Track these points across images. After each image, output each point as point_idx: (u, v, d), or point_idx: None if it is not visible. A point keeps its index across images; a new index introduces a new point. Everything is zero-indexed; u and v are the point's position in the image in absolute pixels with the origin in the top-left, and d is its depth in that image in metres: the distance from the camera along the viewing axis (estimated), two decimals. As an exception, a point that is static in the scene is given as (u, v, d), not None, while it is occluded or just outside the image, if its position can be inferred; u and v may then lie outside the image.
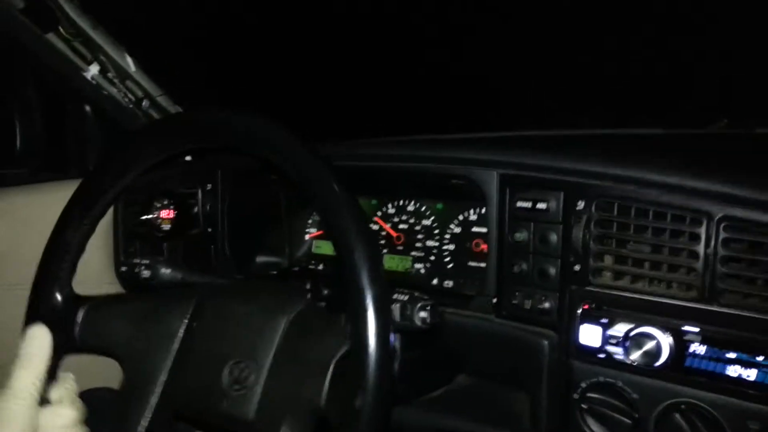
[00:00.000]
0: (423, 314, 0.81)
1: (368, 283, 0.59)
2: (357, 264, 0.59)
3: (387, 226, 1.15)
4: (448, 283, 1.10)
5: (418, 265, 1.13)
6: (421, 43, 1.41)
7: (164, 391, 0.77)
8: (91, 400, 0.81)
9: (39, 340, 0.74)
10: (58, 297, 0.78)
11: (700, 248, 0.76)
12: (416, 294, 0.82)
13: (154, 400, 0.77)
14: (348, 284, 0.60)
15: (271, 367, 0.73)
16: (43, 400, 0.72)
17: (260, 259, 1.23)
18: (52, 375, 0.74)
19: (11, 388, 0.69)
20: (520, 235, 0.89)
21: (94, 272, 1.23)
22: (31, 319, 0.77)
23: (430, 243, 1.13)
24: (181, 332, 0.80)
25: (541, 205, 0.87)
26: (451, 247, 1.10)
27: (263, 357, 0.74)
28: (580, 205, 0.84)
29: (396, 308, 0.81)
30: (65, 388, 0.75)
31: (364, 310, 0.58)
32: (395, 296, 0.82)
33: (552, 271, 0.87)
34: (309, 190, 0.64)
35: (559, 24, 1.31)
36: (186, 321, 0.80)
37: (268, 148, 0.67)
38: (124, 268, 1.16)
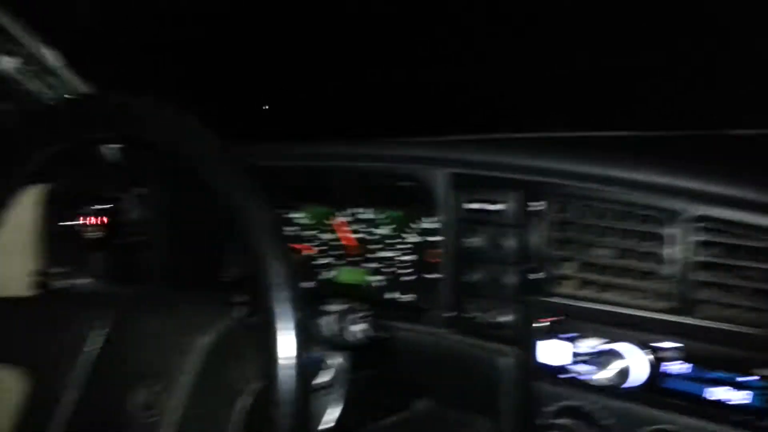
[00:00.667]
0: (361, 326, 0.73)
1: (274, 288, 0.52)
2: (261, 267, 0.52)
3: (347, 232, 1.07)
4: (406, 297, 1.01)
5: (372, 278, 1.04)
6: (374, 44, 1.33)
7: (71, 410, 0.72)
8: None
9: None
10: None
11: (673, 252, 0.68)
12: (353, 305, 0.74)
13: (59, 419, 0.71)
14: (259, 300, 0.52)
15: (187, 390, 0.67)
16: None
17: (200, 269, 1.14)
18: None
19: None
20: (473, 242, 0.81)
21: (19, 274, 1.13)
22: None
23: (385, 254, 1.04)
24: (93, 346, 0.74)
25: (494, 207, 0.79)
26: (408, 258, 1.01)
27: (178, 380, 0.68)
28: (539, 205, 0.77)
29: (331, 320, 0.73)
30: None
31: (271, 321, 0.51)
32: (329, 308, 0.74)
33: (508, 280, 0.79)
34: (214, 185, 0.60)
35: (525, 25, 1.25)
36: (99, 333, 0.75)
37: (176, 141, 0.62)
38: (37, 278, 1.07)
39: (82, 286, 0.93)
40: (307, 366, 0.53)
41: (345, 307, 0.74)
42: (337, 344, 0.75)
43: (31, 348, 0.75)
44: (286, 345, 0.51)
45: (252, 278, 1.09)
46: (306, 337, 0.53)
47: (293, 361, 0.51)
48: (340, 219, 1.08)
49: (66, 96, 1.14)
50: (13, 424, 0.73)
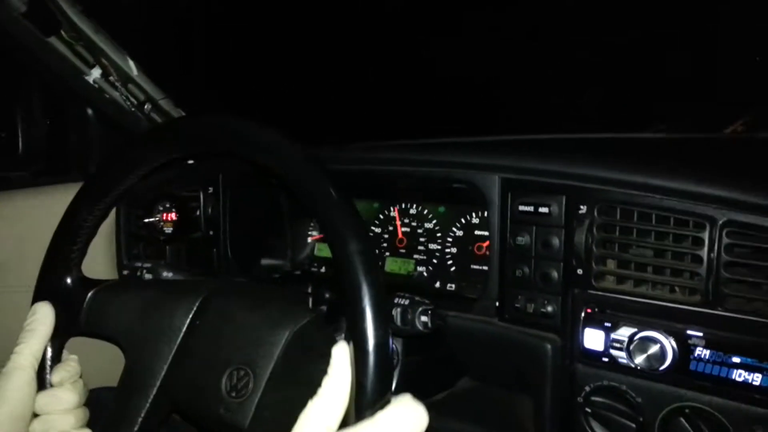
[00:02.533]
0: (424, 318, 0.81)
1: (366, 289, 0.58)
2: (353, 270, 0.58)
3: (398, 225, 1.14)
4: (451, 286, 1.09)
5: (420, 268, 1.13)
6: (422, 47, 1.41)
7: (162, 384, 0.77)
8: (96, 400, 0.81)
9: (41, 316, 0.75)
10: (67, 278, 0.79)
11: (704, 253, 0.76)
12: (417, 298, 0.82)
13: (152, 392, 0.77)
14: (345, 291, 0.59)
15: (269, 379, 0.73)
16: (45, 383, 0.73)
17: (262, 262, 1.23)
18: (55, 357, 0.75)
19: (9, 365, 0.70)
20: (522, 239, 0.89)
21: (100, 276, 1.22)
22: (37, 299, 0.77)
23: (432, 246, 1.12)
24: (184, 328, 0.80)
25: (542, 209, 0.87)
26: (454, 250, 1.10)
27: (263, 368, 0.74)
28: (583, 209, 0.84)
29: (397, 313, 0.81)
30: (66, 371, 0.75)
31: (362, 317, 0.57)
32: (396, 301, 0.82)
33: (554, 274, 0.86)
34: (304, 194, 0.63)
35: (562, 25, 1.31)
36: (190, 317, 0.80)
37: (264, 152, 0.66)
38: (126, 272, 1.18)
39: (166, 277, 1.00)
40: (390, 352, 0.60)
41: (410, 300, 0.82)
42: (400, 333, 0.83)
43: (126, 327, 0.80)
44: (374, 336, 0.56)
45: (312, 270, 1.19)
46: (389, 329, 0.60)
47: (381, 351, 0.56)
48: (386, 214, 1.17)
49: (154, 109, 1.23)
50: (116, 391, 0.79)
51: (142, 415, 0.76)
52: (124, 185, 0.79)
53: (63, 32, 1.13)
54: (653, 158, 0.86)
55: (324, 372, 0.58)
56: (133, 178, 0.78)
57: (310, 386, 0.59)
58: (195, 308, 0.81)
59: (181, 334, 0.79)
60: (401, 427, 0.53)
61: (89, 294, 0.81)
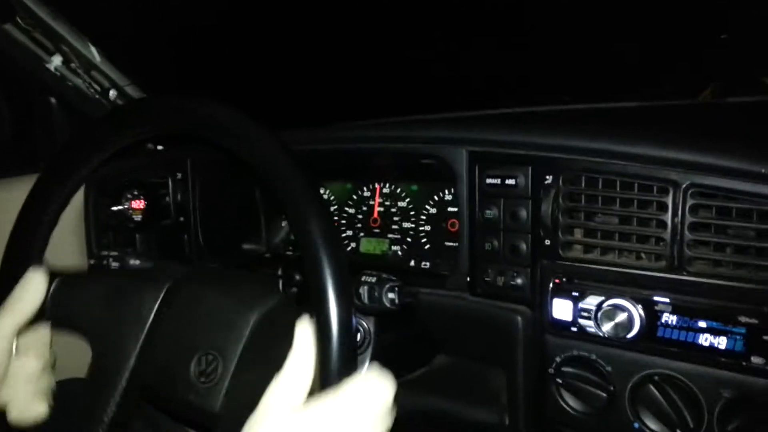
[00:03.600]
0: (391, 295, 0.81)
1: (325, 264, 0.57)
2: (313, 246, 0.58)
3: (375, 205, 1.14)
4: (425, 264, 1.09)
5: (395, 247, 1.13)
6: (385, 26, 1.39)
7: (132, 373, 0.76)
8: (65, 391, 0.80)
9: (33, 285, 0.74)
10: (28, 272, 0.77)
11: (668, 217, 0.76)
12: (384, 276, 0.82)
13: (121, 381, 0.76)
14: (306, 268, 0.58)
15: (239, 362, 0.72)
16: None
17: (236, 247, 1.22)
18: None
19: None
20: (491, 212, 0.89)
21: (69, 264, 1.21)
22: (1, 291, 0.75)
23: (406, 225, 1.12)
24: (151, 316, 0.78)
25: (509, 181, 0.86)
26: (427, 228, 1.09)
27: (231, 351, 0.73)
28: (548, 179, 0.84)
29: (364, 291, 0.81)
30: (33, 337, 0.74)
31: (322, 291, 0.57)
32: (363, 278, 0.82)
33: (523, 246, 0.86)
34: (264, 173, 0.63)
35: (526, 2, 1.30)
36: (158, 304, 0.79)
37: (225, 133, 0.66)
38: (93, 261, 1.16)
39: (135, 266, 0.99)
40: (354, 330, 0.60)
41: (377, 277, 0.82)
42: (369, 310, 0.83)
43: (91, 317, 0.78)
44: (336, 311, 0.56)
45: (286, 253, 1.18)
46: (352, 305, 0.60)
47: (343, 326, 0.56)
48: (358, 194, 1.17)
49: (119, 96, 1.21)
50: (85, 383, 0.77)
51: (113, 404, 0.75)
52: (83, 171, 0.77)
53: (19, 19, 1.10)
54: (616, 126, 0.85)
55: (288, 348, 0.58)
56: (94, 162, 0.77)
57: (275, 364, 0.59)
58: (162, 295, 0.80)
59: (149, 322, 0.78)
60: (366, 397, 0.53)
61: (53, 285, 0.79)
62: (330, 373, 0.55)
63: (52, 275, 0.79)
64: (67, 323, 0.80)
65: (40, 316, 0.76)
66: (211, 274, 0.97)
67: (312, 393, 0.56)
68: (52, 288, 0.78)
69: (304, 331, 0.57)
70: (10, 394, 0.71)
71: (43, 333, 0.76)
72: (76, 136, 0.79)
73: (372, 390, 0.53)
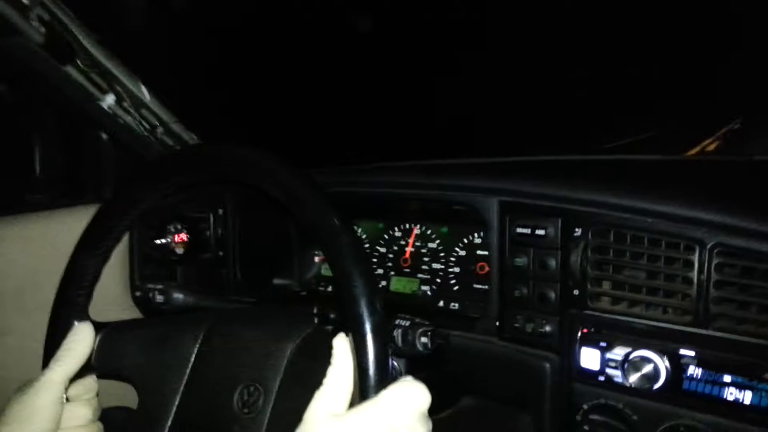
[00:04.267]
0: (424, 339, 0.84)
1: (366, 312, 0.61)
2: (354, 293, 0.61)
3: (409, 244, 1.17)
4: (454, 305, 1.11)
5: (424, 287, 1.15)
6: (420, 71, 1.44)
7: (177, 414, 0.80)
8: (109, 419, 0.84)
9: (81, 337, 0.78)
10: (75, 323, 0.81)
11: (694, 274, 0.79)
12: (417, 320, 0.85)
13: (168, 422, 0.80)
14: (347, 313, 0.62)
15: (279, 390, 0.76)
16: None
17: (271, 282, 1.26)
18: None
19: (42, 381, 0.72)
20: (521, 260, 0.92)
21: (114, 297, 1.25)
22: (49, 346, 0.80)
23: (436, 265, 1.15)
24: (192, 357, 0.83)
25: (539, 232, 0.89)
26: (457, 269, 1.12)
27: (271, 381, 0.76)
28: (578, 231, 0.87)
29: (398, 334, 0.84)
30: (83, 386, 0.78)
31: (363, 338, 0.60)
32: (397, 322, 0.85)
33: (552, 295, 0.89)
34: (306, 220, 0.66)
35: (557, 50, 1.34)
36: (197, 346, 0.83)
37: (272, 185, 0.69)
38: (138, 293, 1.21)
39: (177, 299, 1.03)
40: (390, 372, 0.63)
41: (410, 321, 0.84)
42: (401, 353, 0.86)
43: (136, 364, 0.82)
44: (374, 355, 0.59)
45: (319, 289, 1.21)
46: (389, 355, 0.63)
47: (381, 370, 0.59)
48: (390, 234, 1.20)
49: (165, 132, 1.28)
50: (132, 425, 0.82)
51: None
52: (122, 225, 0.82)
53: (78, 61, 1.17)
54: (645, 182, 0.88)
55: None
56: (132, 216, 0.81)
57: (315, 390, 0.62)
58: (201, 336, 0.84)
59: (190, 364, 0.82)
60: (403, 404, 0.56)
61: (97, 337, 0.83)
62: (368, 380, 0.58)
63: (98, 326, 0.83)
64: (113, 372, 0.84)
65: (88, 366, 0.79)
66: (247, 311, 1.01)
67: (352, 405, 0.59)
68: (98, 339, 0.82)
69: (342, 345, 0.62)
70: None
71: (90, 382, 0.79)
72: (134, 177, 0.83)
73: (408, 396, 0.56)
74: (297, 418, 0.73)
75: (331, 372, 0.61)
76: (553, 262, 0.89)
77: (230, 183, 0.76)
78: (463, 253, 1.11)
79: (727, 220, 0.77)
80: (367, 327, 0.60)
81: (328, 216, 0.66)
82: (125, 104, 1.26)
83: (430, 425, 0.58)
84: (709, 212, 0.78)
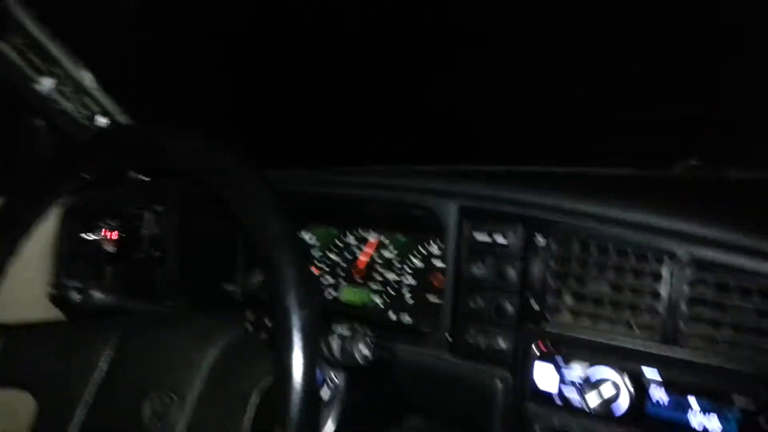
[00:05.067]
0: (365, 351, 0.76)
1: (294, 308, 0.54)
2: (282, 287, 0.55)
3: (365, 252, 1.10)
4: (406, 319, 1.05)
5: (376, 298, 1.09)
6: (385, 75, 1.39)
7: (82, 427, 0.72)
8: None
9: None
10: None
11: (663, 289, 0.72)
12: (358, 329, 0.77)
13: None
14: (273, 310, 0.55)
15: (197, 399, 0.69)
16: None
17: (211, 286, 1.18)
18: None
19: None
20: (478, 270, 0.85)
21: (35, 294, 1.15)
22: None
23: (389, 276, 1.08)
24: (103, 364, 0.75)
25: (499, 239, 0.83)
26: (411, 281, 1.06)
27: (188, 389, 0.69)
28: (540, 240, 0.81)
29: (336, 344, 0.76)
30: None
31: (288, 336, 0.53)
32: (336, 329, 0.77)
33: (509, 307, 0.82)
34: (236, 208, 0.60)
35: (528, 60, 1.30)
36: (109, 352, 0.76)
37: (193, 163, 0.63)
38: (54, 291, 1.11)
39: (98, 300, 0.94)
40: (316, 384, 0.56)
41: (351, 329, 0.77)
42: (339, 364, 0.78)
43: (40, 372, 0.76)
44: (300, 363, 0.54)
45: (263, 297, 1.13)
46: (316, 357, 0.56)
47: (305, 380, 0.54)
48: (343, 240, 1.13)
49: (100, 127, 1.19)
50: None
51: None
52: (32, 215, 0.74)
53: (13, 38, 1.08)
54: (615, 190, 0.82)
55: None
56: (45, 205, 0.74)
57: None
58: (115, 341, 0.77)
59: (99, 372, 0.75)
60: None
61: None
62: (287, 416, 0.53)
63: (1, 328, 0.75)
64: (13, 381, 0.77)
65: None
66: (169, 315, 0.94)
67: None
68: None
69: None
70: None
71: None
72: (49, 165, 0.76)
73: None
74: (217, 430, 0.66)
75: None
76: (512, 272, 0.82)
77: (150, 168, 0.70)
78: (419, 263, 1.05)
79: (702, 231, 0.71)
80: (294, 322, 0.54)
81: (258, 197, 0.59)
82: (65, 89, 1.18)
83: None
84: (681, 222, 0.72)
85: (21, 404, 0.76)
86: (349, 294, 1.12)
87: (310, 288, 0.57)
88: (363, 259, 1.10)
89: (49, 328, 0.85)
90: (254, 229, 0.59)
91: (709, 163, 0.98)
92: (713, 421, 0.69)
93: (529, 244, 0.82)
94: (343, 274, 1.13)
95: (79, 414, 0.72)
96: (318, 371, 0.56)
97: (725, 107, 1.15)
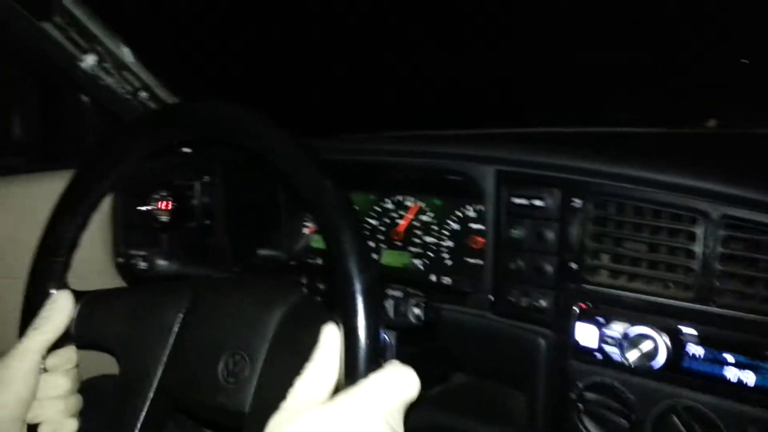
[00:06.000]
0: (417, 311, 0.80)
1: (356, 272, 0.57)
2: (344, 253, 0.58)
3: (404, 217, 1.13)
4: (446, 280, 1.08)
5: (416, 261, 1.12)
6: (419, 39, 1.40)
7: (160, 384, 0.77)
8: (93, 389, 0.81)
9: (59, 305, 0.75)
10: (53, 293, 0.78)
11: (697, 247, 0.75)
12: (410, 290, 0.81)
13: (150, 393, 0.76)
14: (336, 274, 0.59)
15: (266, 358, 0.72)
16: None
17: (258, 252, 1.23)
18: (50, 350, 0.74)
19: (18, 349, 0.69)
20: (517, 232, 0.88)
21: (97, 265, 1.22)
22: (26, 315, 0.76)
23: (428, 239, 1.11)
24: (176, 326, 0.79)
25: (537, 202, 0.86)
26: (450, 243, 1.09)
27: (258, 349, 0.73)
28: (577, 202, 0.83)
29: (390, 305, 0.80)
30: (61, 356, 0.75)
31: (352, 297, 0.57)
32: (389, 292, 0.81)
33: (548, 268, 0.86)
34: (295, 180, 0.63)
35: (558, 23, 1.30)
36: (181, 315, 0.80)
37: (254, 139, 0.66)
38: (120, 260, 1.17)
39: (162, 266, 0.99)
40: (380, 343, 0.60)
41: (403, 292, 0.81)
42: (392, 325, 0.83)
43: (118, 335, 0.79)
44: (364, 324, 0.56)
45: (309, 261, 1.18)
46: (380, 318, 0.60)
47: (370, 339, 0.55)
48: (381, 206, 1.17)
49: (150, 97, 1.23)
50: (114, 396, 0.78)
51: (142, 417, 0.75)
52: (116, 173, 0.77)
53: (56, 18, 1.11)
54: (648, 152, 0.85)
55: (315, 340, 0.58)
56: (127, 165, 0.77)
57: (303, 356, 0.60)
58: (185, 304, 0.80)
59: (173, 333, 0.79)
60: (391, 391, 0.52)
61: (77, 307, 0.79)
62: (356, 371, 0.55)
63: (78, 295, 0.79)
64: (93, 342, 0.81)
65: (67, 336, 0.76)
66: (233, 279, 0.97)
67: (338, 390, 0.56)
68: (77, 308, 0.79)
69: (331, 330, 0.58)
70: (40, 414, 0.71)
71: (69, 352, 0.76)
72: (111, 138, 0.79)
73: (397, 382, 0.53)
74: (284, 387, 0.70)
75: (316, 358, 0.57)
76: (550, 234, 0.85)
77: (212, 141, 0.72)
78: (456, 226, 1.08)
79: (734, 190, 0.73)
80: (357, 286, 0.57)
81: (312, 169, 0.63)
82: (107, 66, 1.21)
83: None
84: (714, 182, 0.74)
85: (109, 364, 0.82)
86: (389, 257, 1.15)
87: (369, 252, 0.60)
88: (403, 223, 1.14)
89: (122, 293, 0.89)
90: (313, 199, 0.62)
91: (732, 123, 0.99)
92: (748, 374, 0.72)
93: (566, 206, 0.84)
94: (382, 238, 1.17)
95: (157, 373, 0.76)
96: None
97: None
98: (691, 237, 0.76)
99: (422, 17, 1.33)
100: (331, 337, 0.58)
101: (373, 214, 1.17)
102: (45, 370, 0.73)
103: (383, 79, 1.44)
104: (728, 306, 0.74)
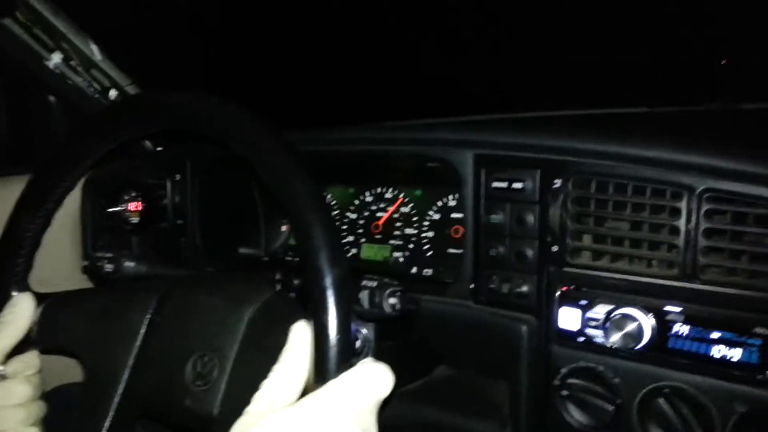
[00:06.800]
0: (392, 300, 0.78)
1: (326, 267, 0.55)
2: (314, 248, 0.55)
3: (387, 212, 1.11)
4: (428, 271, 1.06)
5: (397, 254, 1.10)
6: (399, 29, 1.38)
7: (126, 389, 0.74)
8: (59, 397, 0.79)
9: (20, 309, 0.72)
10: (14, 295, 0.74)
11: (681, 223, 0.73)
12: (385, 280, 0.79)
13: (116, 398, 0.73)
14: (306, 270, 0.56)
15: (236, 359, 0.70)
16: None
17: (235, 250, 1.20)
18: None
19: None
20: (497, 217, 0.86)
21: (67, 268, 1.18)
22: None
23: (408, 231, 1.09)
24: (143, 328, 0.76)
25: (517, 185, 0.84)
26: (430, 234, 1.07)
27: (228, 349, 0.70)
28: (557, 183, 0.81)
29: (364, 296, 0.78)
30: (22, 362, 0.72)
31: (322, 293, 0.54)
32: (363, 283, 0.79)
33: (530, 253, 0.84)
34: (263, 173, 0.60)
35: (538, 4, 1.28)
36: (148, 316, 0.77)
37: (215, 127, 0.63)
38: (86, 263, 1.14)
39: (129, 269, 0.96)
40: (352, 339, 0.58)
41: (378, 282, 0.79)
42: (368, 316, 0.80)
43: (82, 338, 0.77)
44: (334, 320, 0.53)
45: (286, 258, 1.15)
46: (350, 314, 0.57)
47: (341, 336, 0.53)
48: (361, 199, 1.14)
49: (120, 96, 1.19)
50: (80, 402, 0.75)
51: (107, 425, 0.73)
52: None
53: (18, 14, 1.08)
54: (628, 129, 0.83)
55: (286, 338, 0.57)
56: (88, 162, 0.74)
57: (273, 356, 0.57)
58: (152, 305, 0.78)
59: (140, 335, 0.76)
60: (362, 389, 0.50)
61: (39, 309, 0.76)
62: (326, 370, 0.53)
63: (40, 297, 0.76)
64: (56, 346, 0.78)
65: (28, 341, 0.73)
66: (203, 278, 0.95)
67: (307, 391, 0.53)
68: (39, 311, 0.76)
69: (300, 328, 0.56)
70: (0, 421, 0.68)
71: (31, 358, 0.73)
72: (71, 135, 0.77)
73: (370, 380, 0.50)
74: (254, 389, 0.67)
75: (284, 358, 0.55)
76: (531, 218, 0.83)
77: (186, 139, 0.70)
78: (437, 216, 1.06)
79: (717, 162, 0.71)
80: (327, 281, 0.54)
81: (284, 159, 0.60)
82: (73, 63, 1.18)
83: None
84: (697, 155, 0.73)
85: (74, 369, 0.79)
86: (369, 251, 1.13)
87: (341, 247, 0.58)
88: (384, 216, 1.12)
89: (86, 295, 0.86)
90: (283, 193, 0.59)
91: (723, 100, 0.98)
92: (734, 351, 0.70)
93: (546, 188, 0.83)
94: (361, 231, 1.14)
95: (124, 377, 0.74)
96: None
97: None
98: (675, 212, 0.74)
99: (401, 6, 1.31)
100: (300, 336, 0.56)
101: (352, 208, 1.15)
102: (4, 377, 0.70)
103: (363, 70, 1.43)
104: (713, 282, 0.72)
